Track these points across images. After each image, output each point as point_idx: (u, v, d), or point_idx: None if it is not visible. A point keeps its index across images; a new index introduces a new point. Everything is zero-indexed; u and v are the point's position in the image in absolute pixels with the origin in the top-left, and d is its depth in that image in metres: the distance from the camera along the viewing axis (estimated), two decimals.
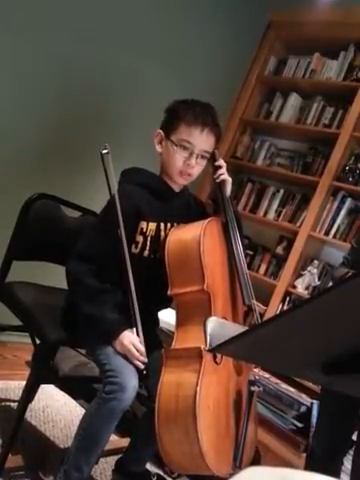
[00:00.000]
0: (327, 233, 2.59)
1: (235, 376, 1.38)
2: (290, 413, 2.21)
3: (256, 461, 1.79)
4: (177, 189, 1.51)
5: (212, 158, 1.52)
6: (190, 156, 1.41)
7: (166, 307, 1.58)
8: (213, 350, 1.23)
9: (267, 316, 2.49)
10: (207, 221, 1.42)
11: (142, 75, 2.70)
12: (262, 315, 2.42)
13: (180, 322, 1.37)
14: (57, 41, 2.33)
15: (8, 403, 1.93)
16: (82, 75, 2.48)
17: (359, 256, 1.57)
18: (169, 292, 1.38)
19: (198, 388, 1.18)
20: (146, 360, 1.29)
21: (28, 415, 1.86)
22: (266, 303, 2.56)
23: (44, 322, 1.49)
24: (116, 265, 1.40)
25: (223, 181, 1.54)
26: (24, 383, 1.48)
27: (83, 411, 1.70)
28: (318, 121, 2.83)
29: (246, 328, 1.26)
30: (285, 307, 2.58)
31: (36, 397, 1.81)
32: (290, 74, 3.02)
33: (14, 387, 2.04)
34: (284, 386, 2.26)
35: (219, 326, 1.29)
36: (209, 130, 1.42)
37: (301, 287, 2.56)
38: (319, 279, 2.59)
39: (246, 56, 3.08)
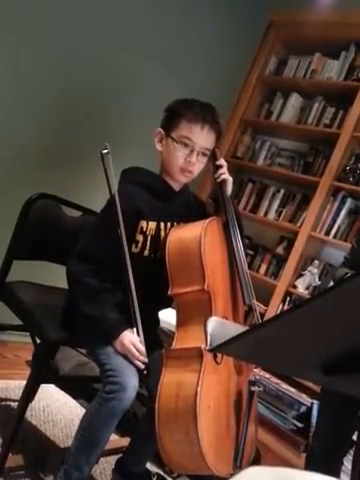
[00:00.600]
0: (327, 233, 2.59)
1: (235, 376, 1.38)
2: (290, 413, 2.21)
3: (256, 461, 1.79)
4: (177, 188, 1.51)
5: (213, 157, 1.52)
6: (191, 153, 1.41)
7: (166, 307, 1.58)
8: (213, 350, 1.23)
9: (267, 316, 2.49)
10: (208, 221, 1.42)
11: (142, 75, 2.70)
12: (262, 315, 2.42)
13: (180, 322, 1.37)
14: (57, 41, 2.33)
15: (8, 403, 1.93)
16: (82, 75, 2.48)
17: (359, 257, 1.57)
18: (169, 292, 1.38)
19: (199, 388, 1.18)
20: (146, 360, 1.29)
21: (28, 415, 1.86)
22: (266, 303, 2.56)
23: (44, 322, 1.49)
24: (116, 264, 1.40)
25: (224, 180, 1.54)
26: (24, 382, 1.48)
27: (83, 411, 1.70)
28: (319, 121, 2.83)
29: (247, 328, 1.26)
30: (285, 307, 2.58)
31: (36, 397, 1.81)
32: (291, 74, 3.02)
33: (14, 386, 2.04)
34: (284, 386, 2.26)
35: (220, 326, 1.29)
36: (209, 127, 1.42)
37: (301, 287, 2.56)
38: (319, 279, 2.59)
39: (247, 56, 3.08)
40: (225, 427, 1.28)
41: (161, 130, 1.47)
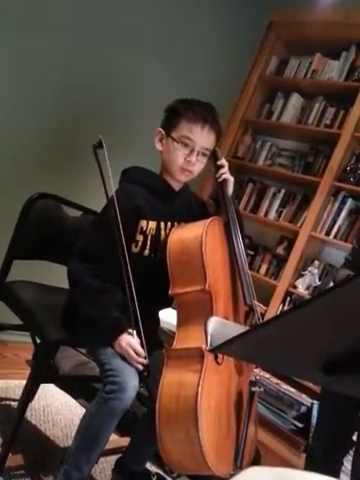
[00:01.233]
0: (328, 233, 2.59)
1: (236, 376, 1.38)
2: (290, 413, 2.21)
3: (256, 461, 1.79)
4: (177, 188, 1.51)
5: (214, 157, 1.52)
6: (191, 153, 1.41)
7: (167, 307, 1.58)
8: (214, 350, 1.23)
9: (268, 316, 2.49)
10: (209, 220, 1.42)
11: (143, 75, 2.70)
12: (263, 315, 2.42)
13: (181, 322, 1.37)
14: (57, 41, 2.33)
15: (8, 402, 1.93)
16: (82, 75, 2.47)
17: None
18: (170, 292, 1.38)
19: (199, 388, 1.18)
20: (146, 361, 1.29)
21: (28, 414, 1.86)
22: (267, 303, 2.56)
23: (45, 321, 1.49)
24: (116, 264, 1.40)
25: (225, 180, 1.54)
26: (24, 382, 1.48)
27: (83, 410, 1.70)
28: (319, 121, 2.83)
29: (247, 328, 1.26)
30: (286, 307, 2.58)
31: (36, 396, 1.81)
32: (291, 74, 3.02)
33: (14, 386, 2.04)
34: (284, 386, 2.26)
35: (220, 326, 1.29)
36: (209, 127, 1.42)
37: (302, 287, 2.56)
38: (320, 279, 2.59)
39: (247, 56, 3.08)
40: (225, 427, 1.28)
41: (161, 130, 1.47)
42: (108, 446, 1.39)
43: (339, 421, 1.54)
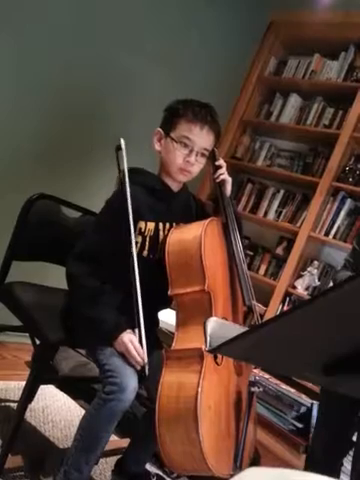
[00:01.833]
0: (327, 234, 2.60)
1: (235, 377, 1.38)
2: (290, 414, 2.20)
3: (256, 462, 1.78)
4: (176, 189, 1.51)
5: (212, 158, 1.52)
6: (190, 153, 1.41)
7: (166, 307, 1.58)
8: (213, 351, 1.23)
9: (267, 317, 2.49)
10: (208, 221, 1.42)
11: (142, 76, 2.70)
12: (262, 316, 2.42)
13: (180, 322, 1.37)
14: (56, 41, 2.33)
15: (8, 403, 1.93)
16: (82, 75, 2.47)
17: None
18: (169, 292, 1.38)
19: (199, 389, 1.18)
20: (146, 361, 1.29)
21: (28, 415, 1.86)
22: (266, 304, 2.56)
23: (44, 322, 1.49)
24: (115, 265, 1.40)
25: (223, 181, 1.54)
26: (24, 383, 1.48)
27: (83, 411, 1.70)
28: (318, 122, 2.84)
29: (246, 329, 1.26)
30: (285, 308, 2.57)
31: (36, 397, 1.80)
32: (290, 75, 3.02)
33: (14, 387, 2.04)
34: (284, 387, 2.25)
35: (219, 327, 1.29)
36: (209, 128, 1.42)
37: (301, 288, 2.56)
38: (319, 280, 2.59)
39: (246, 57, 3.09)
40: (225, 428, 1.28)
41: (160, 130, 1.47)
42: (108, 447, 1.39)
43: (339, 421, 1.54)
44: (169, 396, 1.22)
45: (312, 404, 2.18)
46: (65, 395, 2.16)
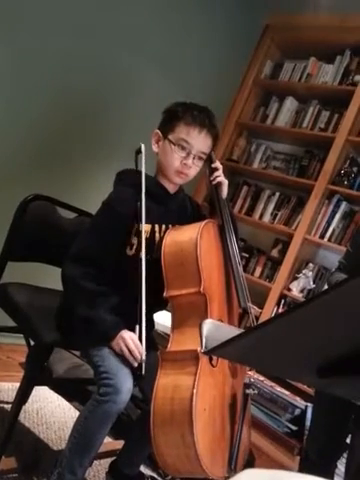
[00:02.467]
0: (322, 236, 2.61)
1: (230, 379, 1.38)
2: (284, 416, 2.21)
3: (250, 464, 1.79)
4: (172, 191, 1.51)
5: (209, 160, 1.52)
6: (187, 156, 1.42)
7: (161, 309, 1.57)
8: (209, 352, 1.23)
9: (262, 319, 2.49)
10: (204, 223, 1.42)
11: (139, 78, 2.70)
12: (257, 318, 2.42)
13: (176, 324, 1.37)
14: (55, 42, 2.33)
15: (1, 405, 1.92)
16: (79, 76, 2.47)
17: (355, 261, 1.58)
18: (165, 294, 1.38)
19: (194, 391, 1.18)
20: (144, 357, 1.29)
21: (22, 417, 1.85)
22: (261, 306, 2.56)
23: (38, 323, 1.48)
24: (110, 267, 1.40)
25: (219, 183, 1.55)
26: (18, 385, 1.47)
27: (77, 413, 1.70)
28: (314, 125, 2.85)
29: (242, 331, 1.26)
30: (280, 310, 2.58)
31: (30, 399, 1.79)
32: (286, 78, 3.04)
33: (8, 389, 2.03)
34: (279, 389, 2.26)
35: (215, 328, 1.29)
36: (207, 131, 1.42)
37: (296, 290, 2.57)
38: (314, 282, 2.60)
39: (242, 60, 3.10)
40: (220, 430, 1.28)
41: (159, 131, 1.47)
42: (102, 449, 1.38)
43: (333, 424, 1.54)
44: (164, 398, 1.22)
45: (306, 406, 2.19)
46: (59, 397, 2.15)
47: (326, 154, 2.63)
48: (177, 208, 1.54)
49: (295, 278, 2.61)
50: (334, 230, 2.59)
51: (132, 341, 1.30)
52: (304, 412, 2.19)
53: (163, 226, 1.48)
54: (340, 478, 1.74)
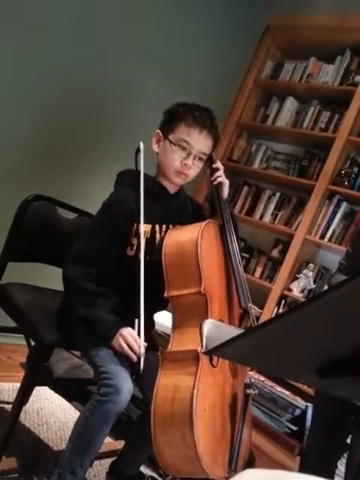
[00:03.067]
0: (322, 237, 2.61)
1: (231, 379, 1.38)
2: (285, 416, 2.21)
3: (250, 464, 1.79)
4: (173, 191, 1.51)
5: (209, 160, 1.52)
6: (188, 156, 1.42)
7: (161, 309, 1.58)
8: (209, 353, 1.23)
9: (263, 319, 2.49)
10: (204, 223, 1.42)
11: (140, 78, 2.70)
12: (258, 318, 2.42)
13: (176, 324, 1.37)
14: (55, 42, 2.33)
15: (2, 405, 1.92)
16: (79, 77, 2.47)
17: (355, 261, 1.58)
18: (166, 294, 1.38)
19: (195, 391, 1.18)
20: (142, 352, 1.29)
21: (22, 417, 1.85)
22: (261, 306, 2.56)
23: (39, 324, 1.48)
24: (112, 267, 1.40)
25: (220, 183, 1.55)
26: (18, 385, 1.47)
27: (77, 413, 1.70)
28: (314, 125, 2.85)
29: (242, 331, 1.26)
30: (280, 310, 2.58)
31: (30, 399, 1.80)
32: (287, 78, 3.04)
33: (8, 389, 2.03)
34: (279, 389, 2.26)
35: (215, 328, 1.29)
36: (207, 132, 1.43)
37: (296, 290, 2.57)
38: (314, 282, 2.60)
39: (243, 60, 3.10)
40: (220, 430, 1.28)
41: (159, 132, 1.47)
42: (102, 449, 1.39)
43: (333, 424, 1.54)
44: (165, 398, 1.22)
45: (307, 407, 2.18)
46: (60, 397, 2.15)
47: (326, 154, 2.63)
48: (177, 208, 1.54)
49: (295, 278, 2.61)
50: (334, 230, 2.59)
51: (131, 336, 1.30)
52: (304, 412, 2.19)
53: (164, 226, 1.48)
54: (340, 478, 1.73)
